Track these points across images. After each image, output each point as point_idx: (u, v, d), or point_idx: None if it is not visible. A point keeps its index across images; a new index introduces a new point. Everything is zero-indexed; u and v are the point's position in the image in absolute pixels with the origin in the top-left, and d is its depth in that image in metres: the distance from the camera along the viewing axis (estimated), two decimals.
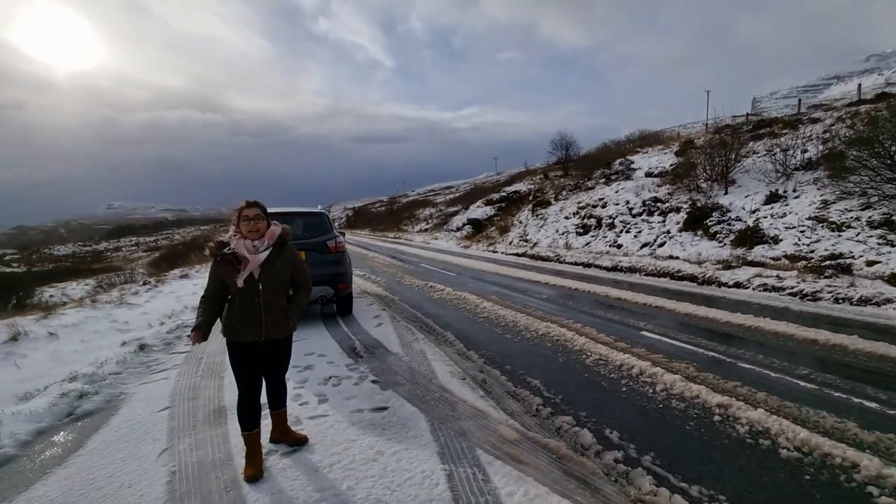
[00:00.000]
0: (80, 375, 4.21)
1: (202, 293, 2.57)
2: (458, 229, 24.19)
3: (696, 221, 11.05)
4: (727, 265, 8.49)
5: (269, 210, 6.19)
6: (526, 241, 16.05)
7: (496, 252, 15.33)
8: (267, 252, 2.50)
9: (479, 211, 25.25)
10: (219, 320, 2.57)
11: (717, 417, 3.10)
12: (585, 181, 19.07)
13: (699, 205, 11.49)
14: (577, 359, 4.37)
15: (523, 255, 13.63)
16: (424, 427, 3.03)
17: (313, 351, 4.81)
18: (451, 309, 6.79)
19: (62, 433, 3.23)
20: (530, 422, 3.15)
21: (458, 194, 49.54)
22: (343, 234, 7.04)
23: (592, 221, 14.24)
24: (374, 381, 3.88)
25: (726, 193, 11.65)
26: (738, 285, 7.41)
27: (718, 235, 10.16)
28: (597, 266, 10.34)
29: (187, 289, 10.05)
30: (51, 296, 16.22)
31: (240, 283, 2.41)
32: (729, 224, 10.25)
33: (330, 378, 4.00)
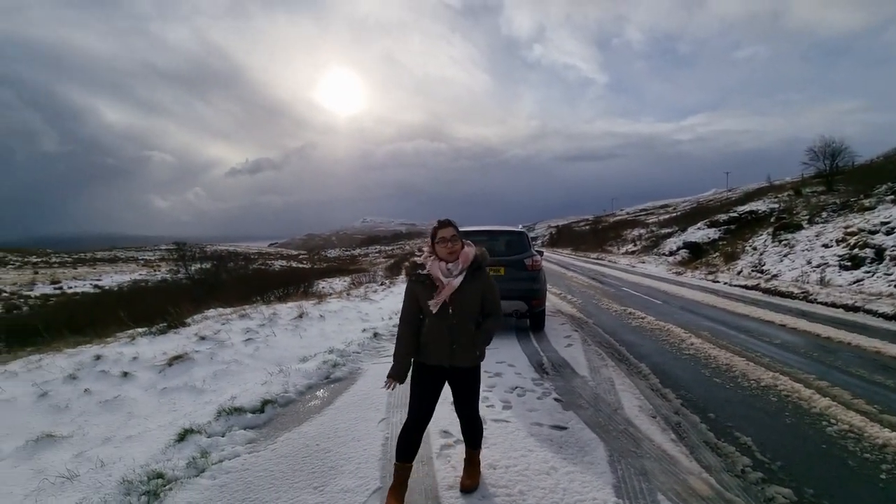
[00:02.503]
0: (335, 350, 5.57)
1: (400, 314, 2.56)
2: (672, 253, 21.62)
3: None
4: None
5: (477, 228, 6.91)
6: (760, 271, 13.28)
7: (717, 282, 13.16)
8: (461, 277, 2.39)
9: (699, 233, 22.06)
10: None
11: None
12: (860, 199, 14.62)
13: None
14: (812, 424, 3.53)
15: (754, 287, 11.34)
16: (602, 455, 2.98)
17: (504, 360, 5.18)
18: (649, 339, 6.26)
19: (322, 390, 4.38)
20: (731, 482, 2.74)
21: (674, 214, 44.32)
22: (541, 253, 7.31)
23: (868, 252, 10.81)
24: (556, 399, 3.98)
25: None
26: None
27: None
28: (868, 311, 7.85)
29: None
30: (322, 287, 21.39)
31: (434, 308, 2.36)
32: None
33: (516, 388, 4.27)
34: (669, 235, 26.97)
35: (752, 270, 13.68)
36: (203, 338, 6.25)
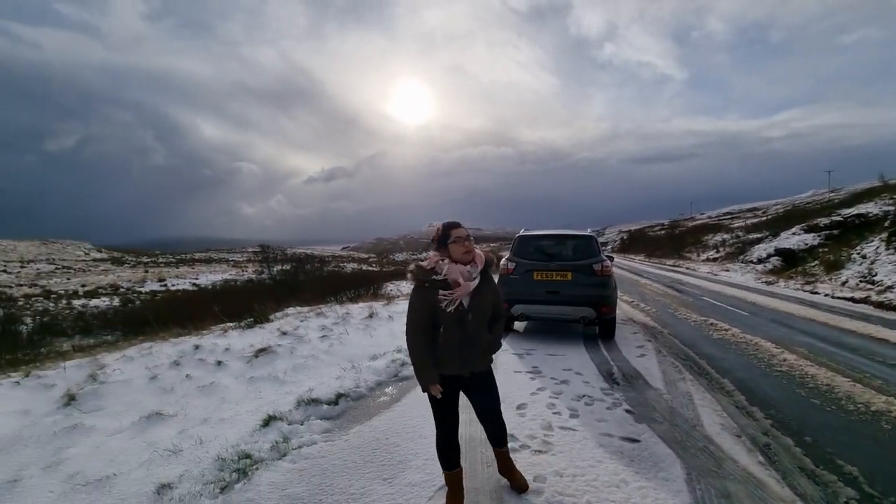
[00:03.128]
0: (402, 350, 5.75)
1: (406, 328, 2.34)
2: (761, 261, 19.70)
3: None
4: None
5: (543, 232, 6.80)
6: (871, 282, 11.70)
7: (816, 293, 11.79)
8: (477, 280, 2.32)
9: (794, 239, 19.89)
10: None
11: None
12: None
13: None
14: None
15: (863, 301, 10.01)
16: (679, 473, 2.82)
17: (571, 367, 5.05)
18: (734, 353, 5.77)
19: (390, 387, 4.56)
20: None
21: (763, 218, 40.38)
22: (611, 259, 7.05)
23: None
24: (627, 411, 3.81)
25: None
26: None
27: None
28: None
29: None
30: (390, 289, 22.10)
31: (450, 308, 2.23)
32: None
33: (583, 396, 4.15)
34: (758, 241, 24.59)
35: (861, 281, 12.09)
36: (284, 333, 6.75)
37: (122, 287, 41.09)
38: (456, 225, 2.35)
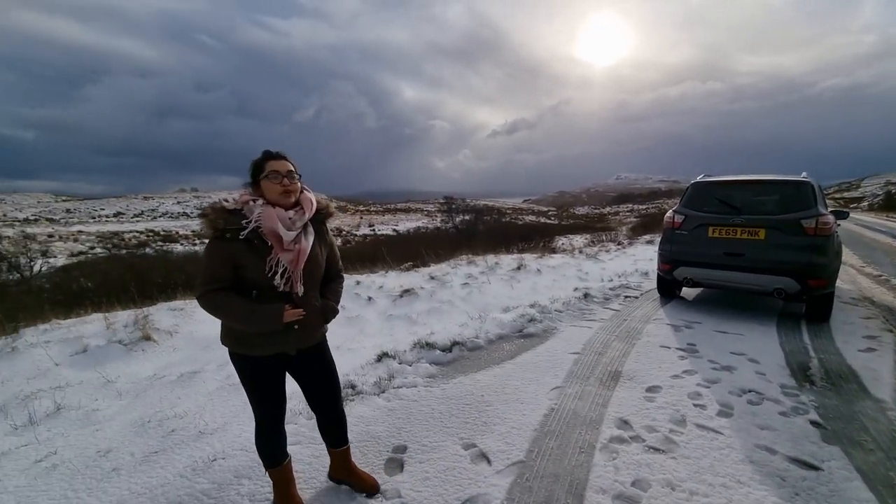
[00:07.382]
0: (537, 305, 5.39)
1: (197, 297, 1.69)
2: None
3: None
4: None
5: (729, 178, 5.31)
6: None
7: None
8: (311, 236, 1.78)
9: None
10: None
11: None
12: None
13: None
14: None
15: None
16: None
17: (744, 352, 3.91)
18: None
19: (509, 343, 4.30)
20: None
21: None
22: (844, 215, 5.15)
23: None
24: (813, 423, 2.74)
25: None
26: None
27: None
28: None
29: (647, 254, 10.50)
30: (562, 243, 21.26)
31: (277, 279, 1.68)
32: None
33: (749, 392, 3.15)
34: None
35: None
36: (433, 277, 7.09)
37: (344, 230, 50.29)
38: (276, 156, 1.74)
